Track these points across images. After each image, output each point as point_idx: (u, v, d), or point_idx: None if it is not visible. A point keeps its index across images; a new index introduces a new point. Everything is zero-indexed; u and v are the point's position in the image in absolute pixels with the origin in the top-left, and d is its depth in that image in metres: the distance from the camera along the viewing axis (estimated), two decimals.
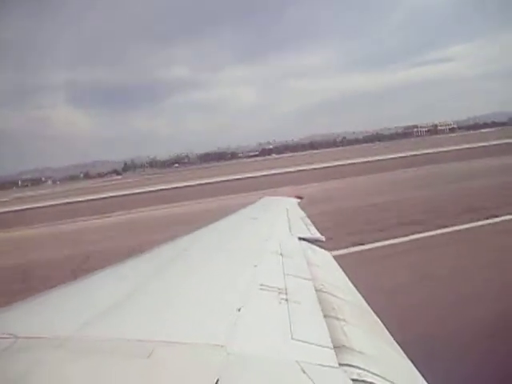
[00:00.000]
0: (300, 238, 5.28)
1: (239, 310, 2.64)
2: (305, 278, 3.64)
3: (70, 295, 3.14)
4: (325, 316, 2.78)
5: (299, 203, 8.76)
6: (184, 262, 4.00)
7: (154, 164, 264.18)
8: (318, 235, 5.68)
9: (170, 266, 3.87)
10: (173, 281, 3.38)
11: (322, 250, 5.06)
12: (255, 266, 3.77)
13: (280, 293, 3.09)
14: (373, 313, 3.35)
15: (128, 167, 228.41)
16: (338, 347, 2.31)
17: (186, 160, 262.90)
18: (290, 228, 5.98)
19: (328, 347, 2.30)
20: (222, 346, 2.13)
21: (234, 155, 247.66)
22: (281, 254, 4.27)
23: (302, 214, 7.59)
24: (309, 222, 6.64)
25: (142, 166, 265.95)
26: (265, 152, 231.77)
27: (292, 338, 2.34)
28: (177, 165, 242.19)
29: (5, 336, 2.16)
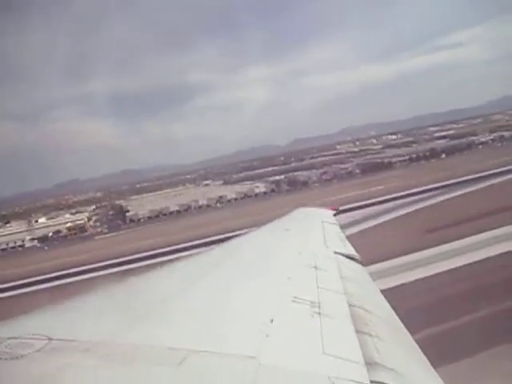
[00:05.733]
0: (335, 252, 5.23)
1: (272, 321, 2.71)
2: (338, 292, 3.64)
3: (105, 300, 3.28)
4: (357, 331, 2.80)
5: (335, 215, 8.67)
6: (217, 273, 4.05)
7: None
8: (352, 252, 5.55)
9: (203, 276, 3.92)
10: (206, 290, 3.43)
11: (357, 265, 5.07)
12: (289, 278, 3.83)
13: (313, 306, 3.14)
14: (406, 330, 3.39)
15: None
16: (369, 364, 2.35)
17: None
18: (324, 241, 5.88)
19: (360, 363, 2.34)
20: (253, 357, 2.22)
21: None
22: (315, 267, 4.28)
23: (338, 228, 7.38)
24: (344, 236, 6.56)
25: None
26: None
27: (324, 353, 2.38)
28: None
29: (39, 337, 2.33)
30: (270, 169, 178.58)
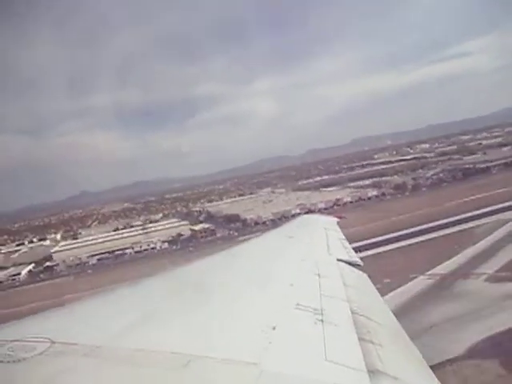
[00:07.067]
0: (338, 260, 5.44)
1: (274, 328, 2.78)
2: (341, 300, 3.73)
3: (108, 304, 3.42)
4: (360, 339, 2.89)
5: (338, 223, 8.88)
6: (221, 279, 4.24)
7: None
8: (356, 259, 5.76)
9: (207, 281, 4.11)
10: (209, 296, 3.56)
11: (359, 272, 5.32)
12: (292, 285, 3.91)
13: (316, 313, 3.24)
14: (408, 338, 3.49)
15: None
16: (371, 371, 2.42)
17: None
18: (328, 248, 6.09)
19: (362, 371, 2.40)
20: (255, 364, 2.23)
21: None
22: (318, 275, 4.38)
23: (341, 235, 7.57)
24: (347, 244, 6.78)
25: None
26: None
27: (326, 360, 2.45)
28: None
29: (42, 340, 2.36)
30: (331, 176, 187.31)
